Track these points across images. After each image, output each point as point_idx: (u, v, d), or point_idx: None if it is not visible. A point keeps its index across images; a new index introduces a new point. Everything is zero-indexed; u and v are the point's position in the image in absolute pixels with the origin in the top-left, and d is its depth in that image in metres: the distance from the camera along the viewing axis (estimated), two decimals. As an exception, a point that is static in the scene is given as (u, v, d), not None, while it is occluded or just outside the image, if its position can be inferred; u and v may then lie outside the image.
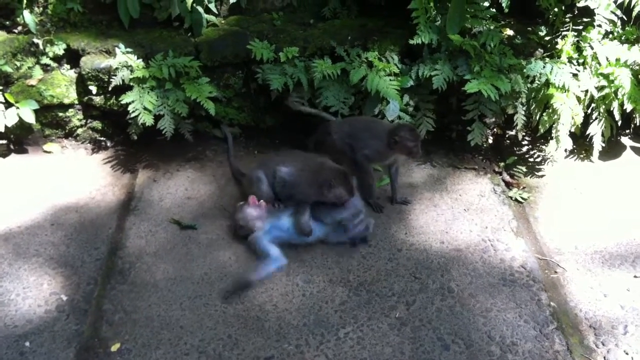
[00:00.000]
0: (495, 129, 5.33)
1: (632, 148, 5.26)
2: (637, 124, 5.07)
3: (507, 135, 5.39)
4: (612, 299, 3.82)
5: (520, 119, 4.84)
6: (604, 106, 4.86)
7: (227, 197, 4.64)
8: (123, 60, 4.76)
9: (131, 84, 4.71)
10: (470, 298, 3.80)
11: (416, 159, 4.64)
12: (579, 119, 4.69)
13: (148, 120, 4.63)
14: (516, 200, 4.68)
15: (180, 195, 4.69)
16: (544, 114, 4.76)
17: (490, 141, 5.25)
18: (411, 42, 4.72)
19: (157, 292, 3.83)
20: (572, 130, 4.82)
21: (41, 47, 5.03)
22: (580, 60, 4.89)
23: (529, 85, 4.79)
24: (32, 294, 3.78)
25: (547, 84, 4.74)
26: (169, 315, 3.67)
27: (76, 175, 4.89)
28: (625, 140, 5.35)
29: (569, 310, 3.77)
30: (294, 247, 4.12)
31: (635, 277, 3.97)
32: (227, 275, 3.96)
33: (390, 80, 4.71)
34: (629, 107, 4.74)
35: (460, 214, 4.49)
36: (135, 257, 4.08)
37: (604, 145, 4.91)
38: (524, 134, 5.17)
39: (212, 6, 5.19)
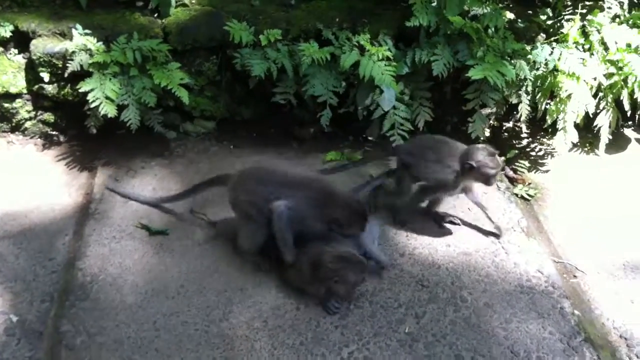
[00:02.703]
0: (492, 121, 4.96)
1: (638, 140, 4.97)
2: (642, 115, 4.79)
3: (504, 128, 5.05)
4: (640, 305, 3.49)
5: (524, 109, 4.49)
6: (611, 95, 4.54)
7: (202, 199, 4.13)
8: (81, 43, 4.22)
9: (90, 69, 4.19)
10: (487, 308, 3.41)
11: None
12: (591, 108, 4.35)
13: (110, 110, 4.11)
14: (522, 197, 4.33)
15: (147, 195, 4.17)
16: (552, 103, 4.41)
17: (487, 134, 4.87)
18: (408, 24, 4.31)
19: (125, 309, 3.33)
20: (577, 121, 4.50)
21: (-16, 28, 4.45)
22: (587, 46, 4.56)
23: (534, 72, 4.44)
24: (-25, 315, 3.23)
25: (554, 70, 4.40)
26: (140, 337, 3.17)
27: (25, 175, 4.33)
28: (629, 132, 5.06)
29: (595, 319, 3.42)
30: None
31: (662, 280, 3.66)
32: (207, 287, 3.48)
33: (385, 65, 4.30)
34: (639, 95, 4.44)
35: (464, 214, 4.10)
36: (98, 269, 3.56)
37: (610, 137, 4.60)
38: (525, 125, 4.85)
39: (181, -16, 4.69)
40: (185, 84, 4.31)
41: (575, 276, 3.69)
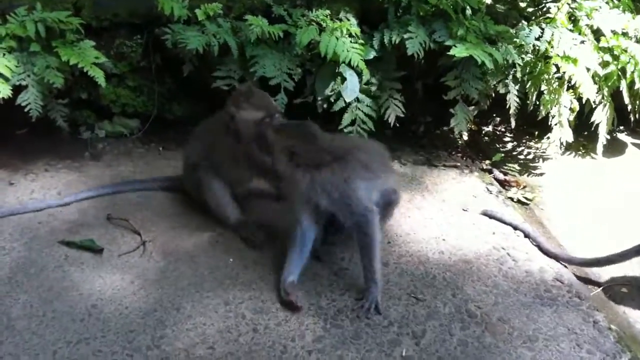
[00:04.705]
0: (470, 125, 4.38)
1: (634, 145, 4.50)
2: (638, 118, 4.33)
3: (484, 132, 4.50)
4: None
5: (513, 99, 3.94)
6: (607, 88, 4.07)
7: (122, 203, 3.36)
8: (-33, 15, 3.46)
9: (-21, 44, 3.42)
10: (502, 324, 2.71)
11: None
12: (592, 95, 3.84)
13: (3, 90, 3.33)
14: (519, 201, 3.74)
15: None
16: (544, 91, 3.89)
17: (465, 138, 4.29)
18: (376, -2, 3.75)
19: (13, 336, 2.47)
20: (570, 118, 4.01)
21: None
22: (576, 33, 4.11)
23: (522, 56, 3.92)
24: None
25: (545, 56, 3.91)
26: (33, 373, 2.30)
27: None
28: (623, 137, 4.59)
29: (638, 334, 2.78)
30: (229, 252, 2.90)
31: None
32: (130, 307, 2.65)
33: (352, 42, 3.68)
34: (640, 86, 3.99)
35: (454, 218, 3.46)
36: (-22, 286, 2.69)
37: (608, 137, 4.11)
38: (503, 129, 4.38)
39: (97, -48, 3.99)
40: (101, 65, 3.56)
41: (599, 285, 3.07)
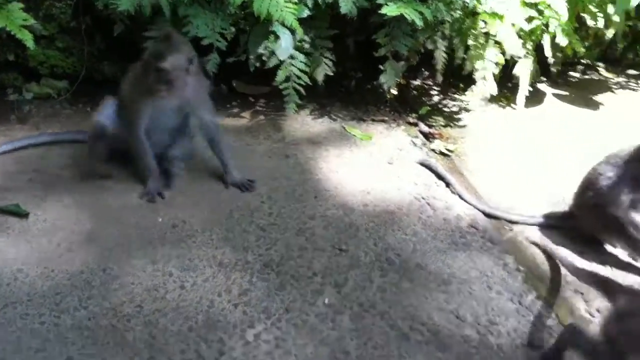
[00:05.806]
0: (398, 79, 4.44)
1: (555, 95, 4.65)
2: (559, 70, 4.46)
3: (412, 86, 4.57)
4: (589, 256, 3.04)
5: (440, 56, 4.00)
6: (531, 42, 4.18)
7: (47, 164, 3.36)
8: None
9: None
10: (419, 269, 2.82)
11: None
12: (516, 51, 3.93)
13: None
14: (441, 153, 3.84)
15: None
16: (471, 47, 3.96)
17: (394, 92, 4.36)
18: (308, -46, 3.71)
19: (-62, 303, 2.46)
20: (496, 72, 4.09)
21: None
22: (502, -12, 4.17)
23: (452, 13, 3.96)
24: None
25: (473, 13, 3.96)
26: (-42, 337, 2.31)
27: None
28: (544, 86, 4.73)
29: (543, 274, 2.92)
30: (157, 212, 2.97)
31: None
32: (56, 270, 2.65)
33: (285, 1, 3.65)
34: (563, 41, 4.09)
35: (380, 171, 3.55)
36: None
37: (530, 89, 4.23)
38: (431, 82, 4.46)
39: None
40: (29, 27, 3.47)
41: (511, 230, 3.21)
